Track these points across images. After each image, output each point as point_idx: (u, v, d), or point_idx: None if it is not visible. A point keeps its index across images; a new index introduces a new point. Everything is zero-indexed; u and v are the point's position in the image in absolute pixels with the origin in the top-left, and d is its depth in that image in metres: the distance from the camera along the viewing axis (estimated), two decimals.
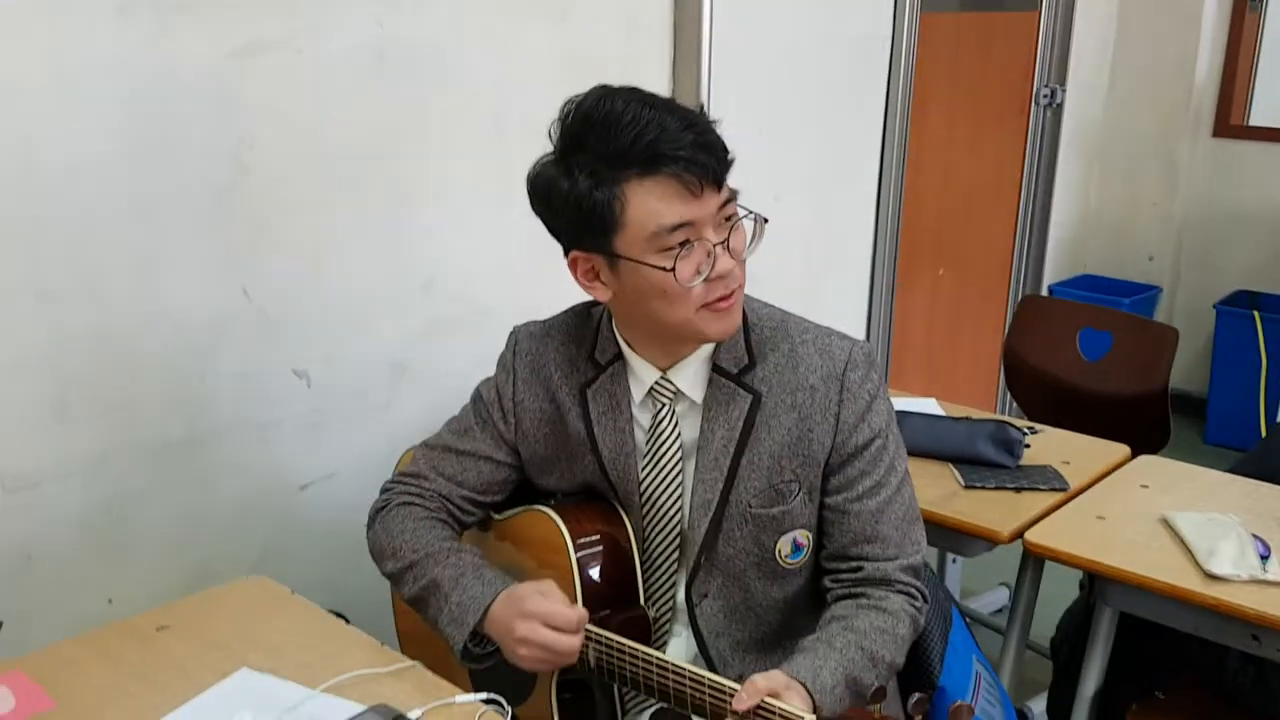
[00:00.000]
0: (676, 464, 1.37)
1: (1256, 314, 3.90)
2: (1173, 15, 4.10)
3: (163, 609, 1.43)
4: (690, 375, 1.36)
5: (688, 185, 1.20)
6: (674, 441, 1.37)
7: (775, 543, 1.37)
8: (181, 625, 1.39)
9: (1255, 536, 1.69)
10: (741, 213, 1.28)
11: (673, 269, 1.22)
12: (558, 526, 1.38)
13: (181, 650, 1.33)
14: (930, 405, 2.27)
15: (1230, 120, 4.14)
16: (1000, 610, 2.91)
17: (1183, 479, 1.99)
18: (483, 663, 1.34)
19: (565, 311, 1.47)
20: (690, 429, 1.37)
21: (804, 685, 1.17)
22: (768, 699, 1.12)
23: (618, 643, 1.29)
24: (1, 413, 1.65)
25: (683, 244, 1.22)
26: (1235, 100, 4.13)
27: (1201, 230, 4.25)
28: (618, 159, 1.20)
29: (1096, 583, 1.78)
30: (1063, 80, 3.90)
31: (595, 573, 1.37)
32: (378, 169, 2.05)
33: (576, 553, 1.36)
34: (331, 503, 2.10)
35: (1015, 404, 2.95)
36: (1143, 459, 2.08)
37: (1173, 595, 1.62)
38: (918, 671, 1.48)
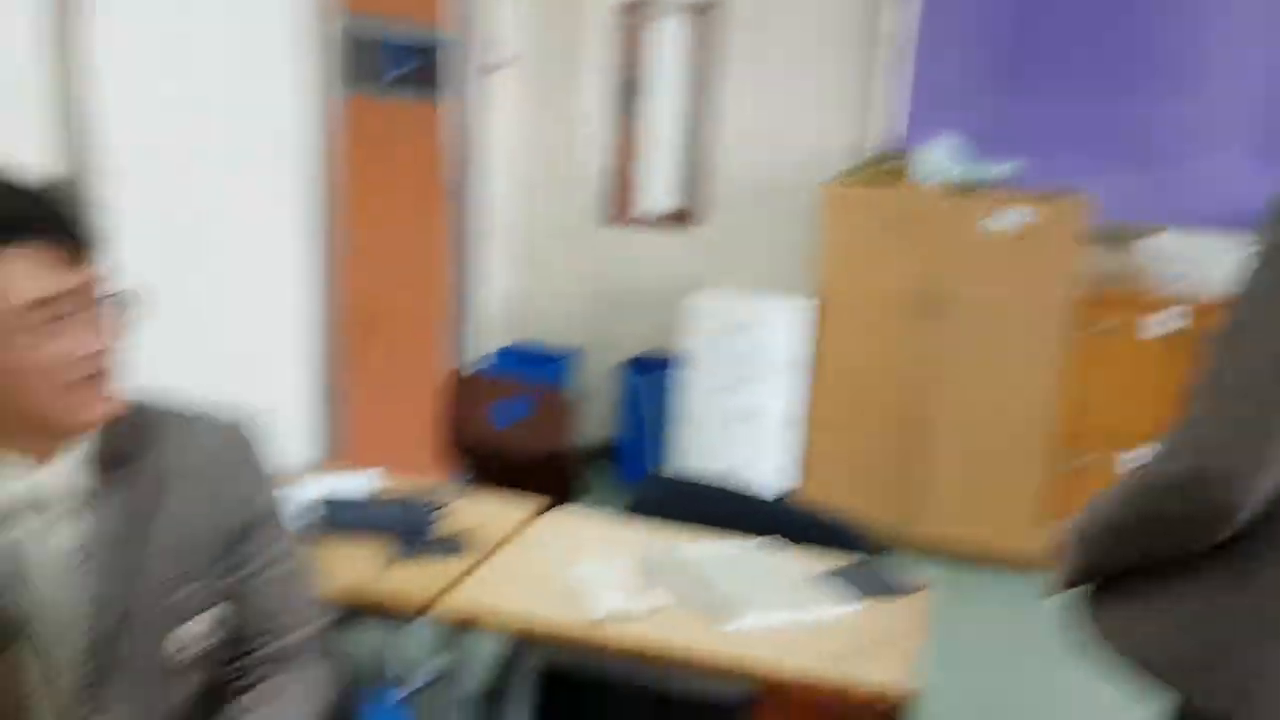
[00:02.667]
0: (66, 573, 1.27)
1: (651, 374, 4.51)
2: (567, 118, 4.66)
3: None
4: (67, 471, 1.27)
5: (56, 257, 1.16)
6: (55, 551, 1.27)
7: (172, 633, 1.32)
8: None
9: (640, 574, 1.96)
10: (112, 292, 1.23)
11: (43, 346, 1.16)
12: None
13: None
14: (366, 480, 2.33)
15: (622, 213, 4.77)
16: (440, 678, 3.04)
17: (583, 529, 2.24)
18: None
19: None
20: (74, 530, 1.27)
21: None
22: None
23: None
24: None
25: (54, 320, 1.17)
26: (625, 197, 4.77)
27: (607, 303, 4.84)
28: None
29: (512, 639, 1.93)
30: (474, 170, 4.25)
31: None
32: None
33: None
34: None
35: (449, 474, 3.13)
36: (550, 515, 2.31)
37: (573, 641, 1.80)
38: None
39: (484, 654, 2.21)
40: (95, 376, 1.22)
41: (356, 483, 2.32)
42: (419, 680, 3.01)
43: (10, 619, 1.27)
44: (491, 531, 2.17)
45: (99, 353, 1.21)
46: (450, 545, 2.09)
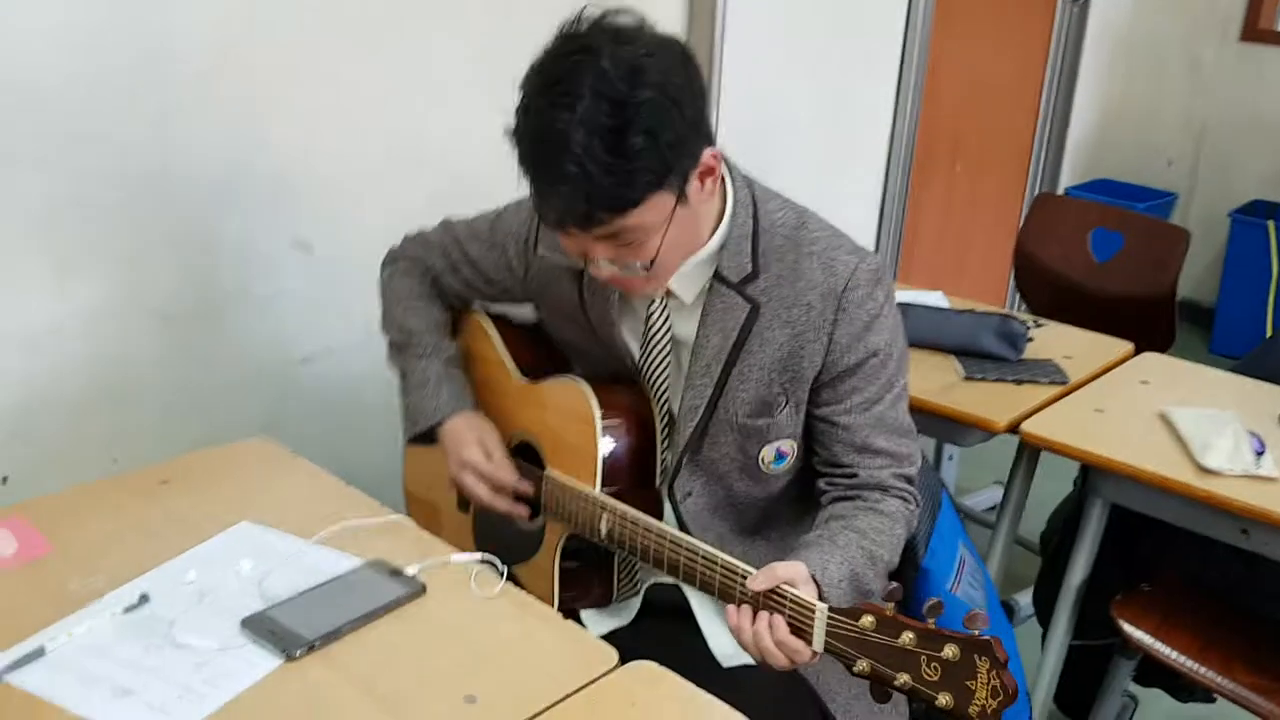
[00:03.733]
0: (666, 352, 1.37)
1: (1271, 224, 3.85)
2: None
3: (166, 464, 1.45)
4: (684, 278, 1.31)
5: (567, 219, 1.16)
6: (665, 336, 1.36)
7: (759, 450, 1.36)
8: (184, 480, 1.41)
9: (1251, 433, 1.69)
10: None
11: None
12: (587, 400, 1.38)
13: (183, 503, 1.35)
14: (937, 298, 2.26)
15: (1259, 24, 4.03)
16: (994, 508, 2.94)
17: (1184, 376, 2.00)
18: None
19: None
20: (684, 325, 1.35)
21: (813, 577, 1.18)
22: (783, 585, 1.14)
23: (632, 515, 1.30)
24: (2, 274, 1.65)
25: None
26: (1265, 3, 4.02)
27: (1222, 136, 4.18)
28: (521, 163, 1.17)
29: (1088, 474, 1.80)
30: None
31: (616, 448, 1.37)
32: (384, 34, 2.01)
33: (602, 423, 1.37)
34: (332, 376, 2.11)
35: (1024, 301, 2.94)
36: (1145, 356, 2.08)
37: (1164, 487, 1.64)
38: (903, 552, 1.49)
39: (1052, 493, 2.08)
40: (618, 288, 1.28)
41: (928, 299, 2.25)
42: (980, 502, 2.95)
43: (619, 356, 1.40)
44: (1078, 364, 2.00)
45: (612, 279, 1.24)
46: (1038, 369, 1.95)
